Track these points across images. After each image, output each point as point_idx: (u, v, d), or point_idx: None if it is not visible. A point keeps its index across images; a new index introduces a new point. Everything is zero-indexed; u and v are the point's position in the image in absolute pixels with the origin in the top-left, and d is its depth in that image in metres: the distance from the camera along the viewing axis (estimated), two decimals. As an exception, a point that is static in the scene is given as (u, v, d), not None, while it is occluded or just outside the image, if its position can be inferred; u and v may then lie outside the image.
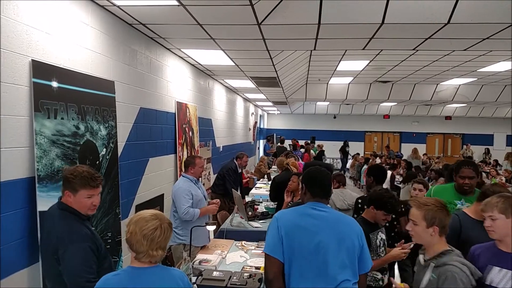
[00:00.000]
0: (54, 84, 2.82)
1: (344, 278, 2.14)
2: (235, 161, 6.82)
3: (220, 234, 4.50)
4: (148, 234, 1.80)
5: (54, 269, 2.18)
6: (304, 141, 16.87)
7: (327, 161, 15.52)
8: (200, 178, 4.51)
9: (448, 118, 18.87)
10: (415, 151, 15.14)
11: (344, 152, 17.45)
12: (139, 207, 4.45)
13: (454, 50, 5.84)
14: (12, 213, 2.46)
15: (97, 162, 3.39)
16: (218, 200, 4.45)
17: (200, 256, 3.59)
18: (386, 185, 9.53)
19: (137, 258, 1.84)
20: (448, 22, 3.89)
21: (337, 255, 2.17)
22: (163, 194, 5.25)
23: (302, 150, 14.44)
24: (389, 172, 9.82)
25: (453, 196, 3.36)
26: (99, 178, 2.31)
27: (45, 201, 2.64)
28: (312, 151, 14.56)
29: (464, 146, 18.60)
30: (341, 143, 18.11)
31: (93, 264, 2.19)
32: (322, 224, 2.23)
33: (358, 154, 16.05)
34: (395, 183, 9.75)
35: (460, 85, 10.41)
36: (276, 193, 5.28)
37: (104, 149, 3.52)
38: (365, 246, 2.28)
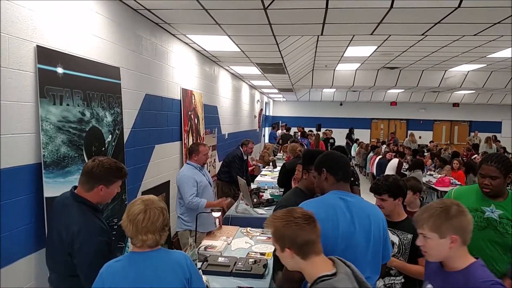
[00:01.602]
0: (59, 70, 2.81)
1: (366, 275, 1.87)
2: (240, 148, 6.81)
3: (225, 220, 4.52)
4: (133, 219, 1.82)
5: (63, 260, 2.19)
6: (308, 129, 16.79)
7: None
8: (205, 165, 4.52)
9: (455, 105, 18.67)
10: (411, 135, 16.64)
11: (350, 139, 17.36)
12: (145, 193, 4.47)
13: (464, 35, 5.73)
14: (19, 198, 2.47)
15: (103, 148, 3.40)
16: (230, 200, 4.44)
17: (205, 242, 3.61)
18: (391, 171, 9.53)
19: (132, 243, 1.88)
20: (459, 6, 3.79)
21: (365, 253, 2.01)
22: (169, 181, 5.27)
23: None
24: (396, 160, 9.80)
25: (479, 201, 2.60)
26: (125, 167, 2.40)
27: (51, 187, 2.65)
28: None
29: (472, 133, 18.44)
30: (347, 131, 18.02)
31: (107, 258, 2.21)
32: (353, 219, 2.02)
33: (357, 139, 16.06)
34: (402, 171, 9.71)
35: (468, 71, 10.26)
36: (284, 179, 5.27)
37: (110, 136, 3.52)
38: (387, 237, 2.15)
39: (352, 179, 2.84)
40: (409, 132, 18.70)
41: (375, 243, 2.04)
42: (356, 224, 2.01)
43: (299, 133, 14.85)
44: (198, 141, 6.48)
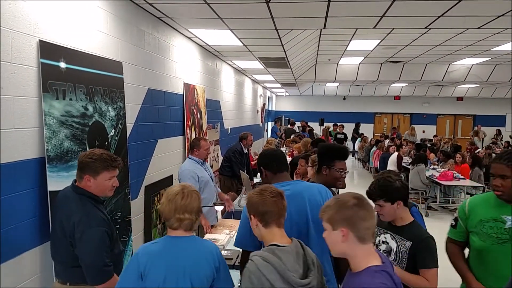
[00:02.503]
0: (62, 64, 2.82)
1: (316, 252, 2.06)
2: (240, 142, 6.81)
3: (228, 214, 4.54)
4: (172, 199, 1.95)
5: (66, 251, 2.22)
6: (310, 123, 16.77)
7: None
8: (207, 159, 4.53)
9: (459, 99, 18.59)
10: (411, 129, 16.87)
11: (357, 133, 17.31)
12: (149, 188, 4.50)
13: (467, 28, 5.69)
14: (23, 192, 2.49)
15: (106, 143, 3.41)
16: (233, 194, 4.46)
17: (208, 236, 3.64)
18: (393, 166, 9.53)
19: (169, 226, 1.98)
20: (462, -2, 3.78)
21: (307, 230, 2.29)
22: (172, 175, 5.29)
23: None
24: (395, 153, 9.79)
25: (498, 209, 2.22)
26: (118, 159, 2.37)
27: (55, 181, 2.67)
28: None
29: (475, 127, 18.37)
30: (350, 125, 17.96)
31: (108, 248, 2.24)
32: (289, 205, 2.08)
33: (362, 134, 15.99)
34: (404, 165, 9.70)
35: (472, 65, 10.20)
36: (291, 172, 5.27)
37: (113, 130, 3.54)
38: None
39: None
40: (422, 128, 18.80)
41: (314, 221, 2.20)
42: (292, 208, 2.14)
43: (301, 128, 14.85)
44: (201, 135, 6.49)
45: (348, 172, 2.93)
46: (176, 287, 1.85)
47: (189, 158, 4.35)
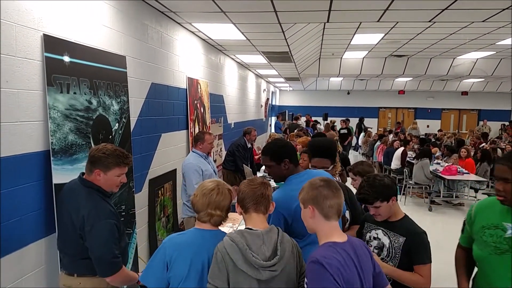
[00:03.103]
0: (66, 58, 2.84)
1: None
2: (243, 137, 6.83)
3: (231, 208, 4.56)
4: (207, 193, 2.01)
5: (75, 243, 2.25)
6: (314, 118, 16.73)
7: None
8: (210, 154, 4.55)
9: (464, 93, 18.48)
10: (414, 123, 16.75)
11: (360, 128, 17.25)
12: (153, 181, 4.53)
13: (472, 22, 5.65)
14: (28, 185, 2.52)
15: (110, 136, 3.44)
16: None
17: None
18: (397, 161, 9.52)
19: (199, 219, 2.04)
20: (467, -9, 3.75)
21: None
22: (175, 169, 5.32)
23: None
24: (401, 148, 9.78)
25: (502, 215, 2.00)
26: (130, 156, 2.40)
27: (59, 174, 2.70)
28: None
29: (481, 122, 18.26)
30: (354, 120, 17.91)
31: (117, 240, 2.26)
32: None
33: (367, 129, 15.92)
34: (408, 159, 9.69)
35: (477, 59, 10.13)
36: None
37: (117, 124, 3.56)
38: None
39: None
40: (426, 123, 18.81)
41: None
42: None
43: (305, 122, 14.82)
44: (205, 130, 6.51)
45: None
46: (200, 280, 1.89)
47: (192, 151, 4.37)
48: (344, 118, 14.52)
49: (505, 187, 1.89)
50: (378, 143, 12.47)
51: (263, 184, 2.03)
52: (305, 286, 1.71)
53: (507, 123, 17.40)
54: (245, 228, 1.95)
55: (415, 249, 2.23)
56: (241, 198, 2.01)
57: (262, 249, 1.84)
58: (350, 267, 1.68)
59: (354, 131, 16.08)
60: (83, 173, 2.38)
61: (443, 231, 6.61)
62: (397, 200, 2.37)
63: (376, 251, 2.37)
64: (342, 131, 13.27)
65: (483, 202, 2.20)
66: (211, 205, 1.99)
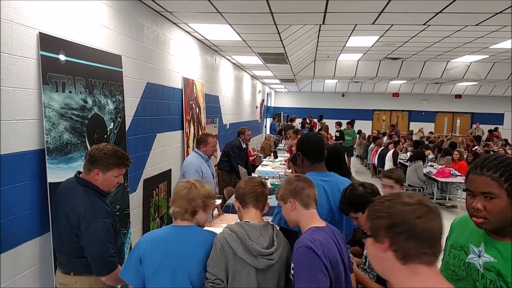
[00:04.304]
0: (62, 57, 2.83)
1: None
2: (238, 137, 6.84)
3: (226, 209, 4.56)
4: (174, 191, 2.08)
5: (71, 242, 2.25)
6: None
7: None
8: (211, 156, 4.57)
9: (458, 96, 18.62)
10: (419, 130, 16.95)
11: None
12: (147, 181, 4.52)
13: (465, 25, 5.71)
14: (23, 183, 2.51)
15: (105, 136, 3.43)
16: (231, 189, 4.49)
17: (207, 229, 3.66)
18: (389, 162, 9.57)
19: (173, 215, 2.09)
20: (460, -5, 3.80)
21: (340, 223, 2.47)
22: (170, 170, 5.32)
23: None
24: (392, 150, 9.84)
25: (473, 235, 1.56)
26: (129, 158, 2.42)
27: (54, 173, 2.70)
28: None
29: (474, 125, 18.42)
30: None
31: (113, 239, 2.27)
32: (328, 197, 2.49)
33: (360, 131, 15.95)
34: (402, 161, 9.75)
35: (471, 62, 10.22)
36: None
37: (112, 123, 3.56)
38: None
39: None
40: (420, 126, 18.86)
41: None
42: (331, 202, 2.39)
43: (301, 124, 14.81)
44: (200, 130, 6.51)
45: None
46: (172, 274, 1.93)
47: (195, 151, 4.40)
48: (336, 121, 14.32)
49: (487, 205, 1.38)
50: (372, 145, 12.54)
51: (262, 183, 2.16)
52: (292, 272, 1.82)
53: (493, 128, 17.50)
54: (247, 221, 2.04)
55: None
56: (241, 194, 2.11)
57: (260, 240, 1.96)
58: (333, 247, 1.86)
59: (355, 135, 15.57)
60: (79, 172, 2.39)
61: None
62: None
63: (364, 260, 2.41)
64: (335, 134, 13.08)
65: (463, 217, 1.66)
66: (174, 200, 2.07)
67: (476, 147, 12.12)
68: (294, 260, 1.82)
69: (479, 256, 1.48)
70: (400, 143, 10.55)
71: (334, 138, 12.69)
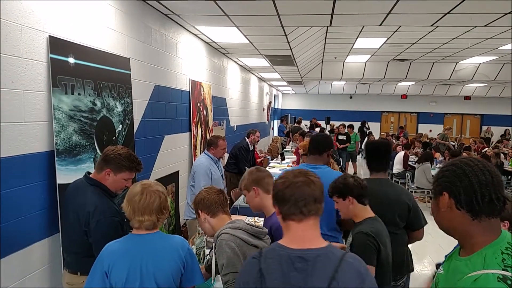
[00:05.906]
0: (71, 60, 2.87)
1: (324, 233, 2.43)
2: (246, 139, 6.84)
3: (233, 210, 4.57)
4: (130, 200, 1.92)
5: (80, 241, 2.28)
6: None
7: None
8: (221, 159, 4.61)
9: (467, 98, 18.45)
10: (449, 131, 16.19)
11: (362, 132, 17.17)
12: (155, 183, 4.54)
13: (474, 26, 5.66)
14: (33, 185, 2.55)
15: (114, 138, 3.46)
16: (238, 191, 4.54)
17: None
18: (399, 165, 9.49)
19: (131, 225, 1.96)
20: (468, -4, 3.77)
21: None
22: (178, 171, 5.34)
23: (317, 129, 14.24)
24: (402, 152, 9.77)
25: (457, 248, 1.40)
26: (141, 164, 2.46)
27: (63, 174, 2.73)
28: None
29: (484, 128, 18.22)
30: (357, 124, 17.84)
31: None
32: None
33: (370, 132, 15.86)
34: (410, 163, 9.68)
35: (480, 63, 10.13)
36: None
37: (120, 125, 3.59)
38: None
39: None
40: (429, 128, 18.57)
41: (326, 202, 2.38)
42: None
43: (308, 126, 14.79)
44: (207, 132, 6.54)
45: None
46: (140, 286, 1.84)
47: (205, 153, 4.44)
48: (344, 123, 13.85)
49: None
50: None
51: (221, 191, 2.29)
52: None
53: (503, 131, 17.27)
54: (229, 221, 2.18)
55: (354, 250, 2.17)
56: (207, 204, 2.19)
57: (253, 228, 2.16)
58: None
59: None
60: (89, 173, 2.44)
61: (445, 236, 6.58)
62: (363, 203, 2.32)
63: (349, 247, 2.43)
64: (340, 137, 12.48)
65: None
66: (136, 212, 1.89)
67: (486, 148, 11.99)
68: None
69: (440, 271, 1.43)
70: (412, 147, 10.47)
71: (337, 141, 12.18)
